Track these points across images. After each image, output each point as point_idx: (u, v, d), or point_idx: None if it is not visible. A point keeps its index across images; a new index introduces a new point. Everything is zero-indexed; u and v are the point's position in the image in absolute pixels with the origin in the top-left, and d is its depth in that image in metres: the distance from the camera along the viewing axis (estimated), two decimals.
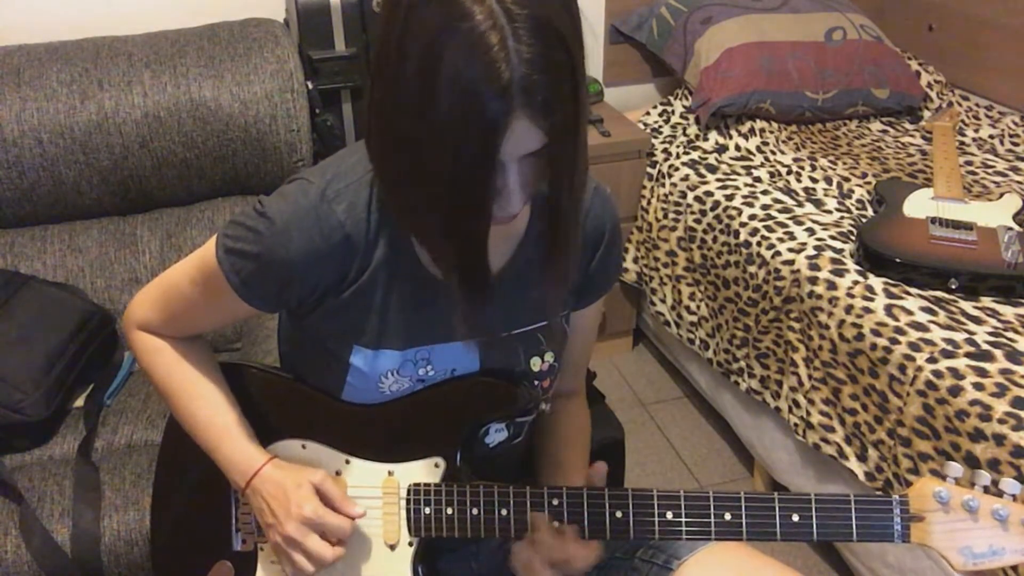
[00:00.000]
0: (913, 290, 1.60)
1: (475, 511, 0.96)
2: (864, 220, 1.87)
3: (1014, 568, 1.28)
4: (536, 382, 1.02)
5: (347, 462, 1.00)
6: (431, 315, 0.96)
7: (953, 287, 1.60)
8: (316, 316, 0.96)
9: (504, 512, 0.95)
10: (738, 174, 2.08)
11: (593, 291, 1.05)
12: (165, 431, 1.12)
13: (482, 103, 0.71)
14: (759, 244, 1.84)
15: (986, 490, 0.86)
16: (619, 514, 0.93)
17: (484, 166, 0.74)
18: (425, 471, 0.98)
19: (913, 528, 0.87)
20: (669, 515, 0.92)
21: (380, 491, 0.99)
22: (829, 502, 0.89)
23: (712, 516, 0.91)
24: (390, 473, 0.99)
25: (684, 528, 0.92)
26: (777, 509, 0.90)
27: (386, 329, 0.95)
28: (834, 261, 1.69)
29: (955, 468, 0.86)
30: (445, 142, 0.73)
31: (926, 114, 2.41)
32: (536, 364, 1.01)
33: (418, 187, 0.79)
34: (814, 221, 1.85)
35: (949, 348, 1.45)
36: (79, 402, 1.62)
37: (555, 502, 0.94)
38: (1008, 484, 0.84)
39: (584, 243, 1.00)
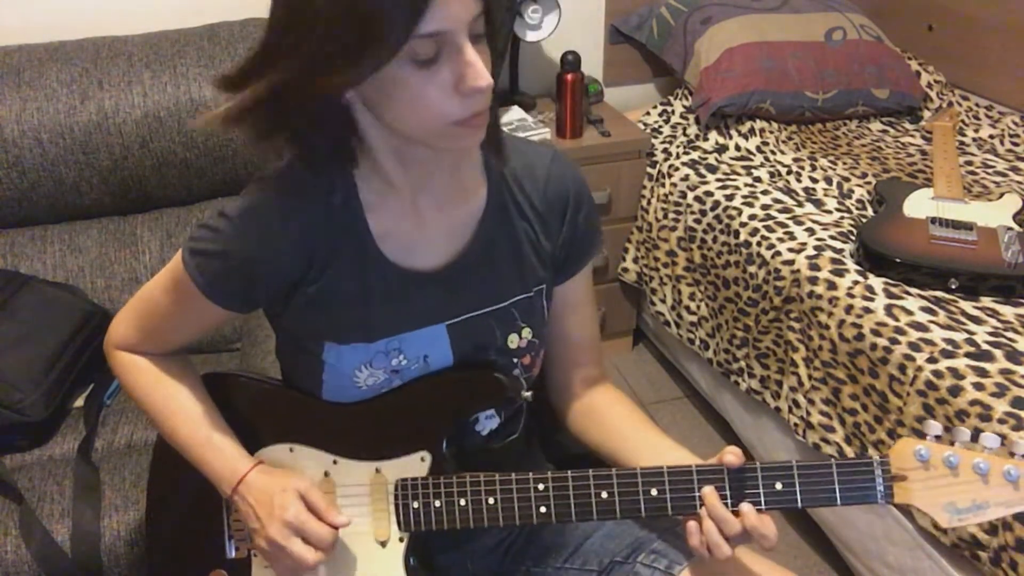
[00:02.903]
0: (913, 290, 1.60)
1: (463, 501, 0.96)
2: (864, 220, 1.87)
3: (1014, 569, 1.28)
4: (515, 359, 1.02)
5: (334, 462, 1.01)
6: (397, 305, 0.96)
7: (953, 287, 1.60)
8: (288, 316, 0.97)
9: (491, 500, 0.95)
10: (738, 174, 2.08)
11: (572, 261, 1.04)
12: (156, 442, 1.13)
13: None
14: (759, 244, 1.84)
15: (966, 446, 0.86)
16: (604, 494, 0.93)
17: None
18: (412, 466, 0.98)
19: (896, 488, 0.87)
20: (654, 492, 0.92)
21: (368, 488, 1.00)
22: (811, 468, 0.89)
23: (696, 491, 0.91)
24: (377, 470, 0.99)
25: (670, 504, 0.92)
26: (760, 478, 0.90)
27: (353, 323, 0.95)
28: (834, 261, 1.69)
29: (934, 426, 0.87)
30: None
31: (926, 114, 2.41)
32: (513, 341, 1.01)
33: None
34: (814, 221, 1.85)
35: (949, 348, 1.45)
36: (79, 402, 1.62)
37: (540, 487, 0.94)
38: (987, 439, 0.85)
39: (550, 211, 1.00)
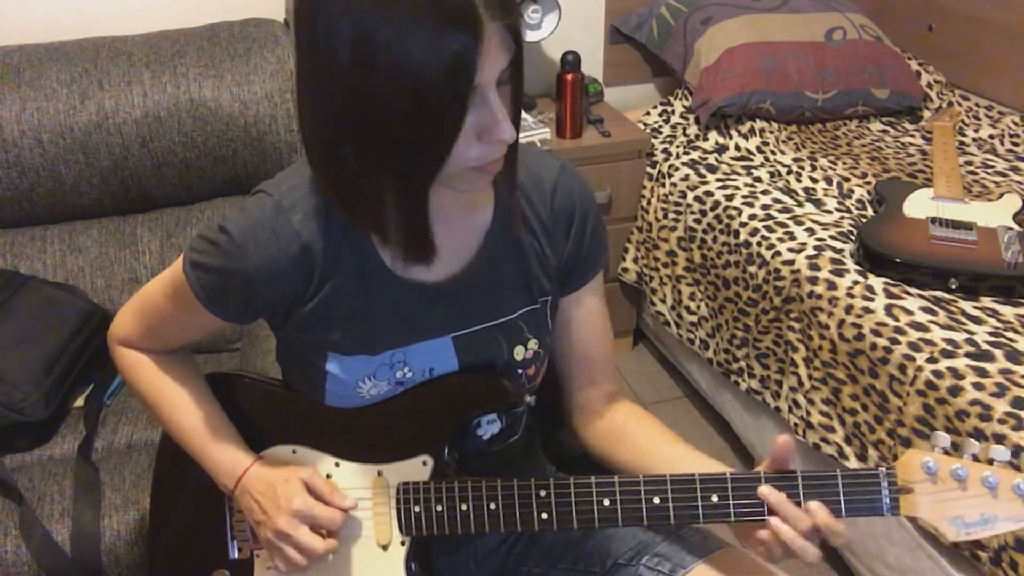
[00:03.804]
0: (913, 290, 1.60)
1: (464, 507, 0.96)
2: (864, 220, 1.87)
3: (1014, 569, 1.28)
4: (520, 371, 1.02)
5: (337, 465, 1.01)
6: (402, 317, 0.96)
7: (953, 287, 1.60)
8: (289, 327, 0.97)
9: (493, 506, 0.95)
10: (738, 174, 2.08)
11: (577, 274, 1.04)
12: (160, 443, 1.13)
13: (454, 14, 0.72)
14: (759, 244, 1.84)
15: (975, 458, 0.84)
16: (607, 502, 0.93)
17: (461, 86, 0.75)
18: (414, 470, 0.98)
19: (902, 500, 0.86)
20: (656, 500, 0.91)
21: (370, 492, 0.99)
22: (816, 478, 0.89)
23: (699, 499, 0.91)
24: (379, 473, 0.99)
25: (672, 513, 0.91)
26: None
27: (357, 335, 0.95)
28: (834, 261, 1.69)
29: (943, 438, 0.85)
30: (411, 67, 0.73)
31: (926, 114, 2.41)
32: (519, 353, 1.01)
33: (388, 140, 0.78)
34: (814, 221, 1.85)
35: (949, 348, 1.45)
36: (79, 402, 1.62)
37: (543, 493, 0.94)
38: (997, 451, 0.83)
39: (556, 225, 1.00)
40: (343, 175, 0.84)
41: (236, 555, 1.07)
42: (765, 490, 0.89)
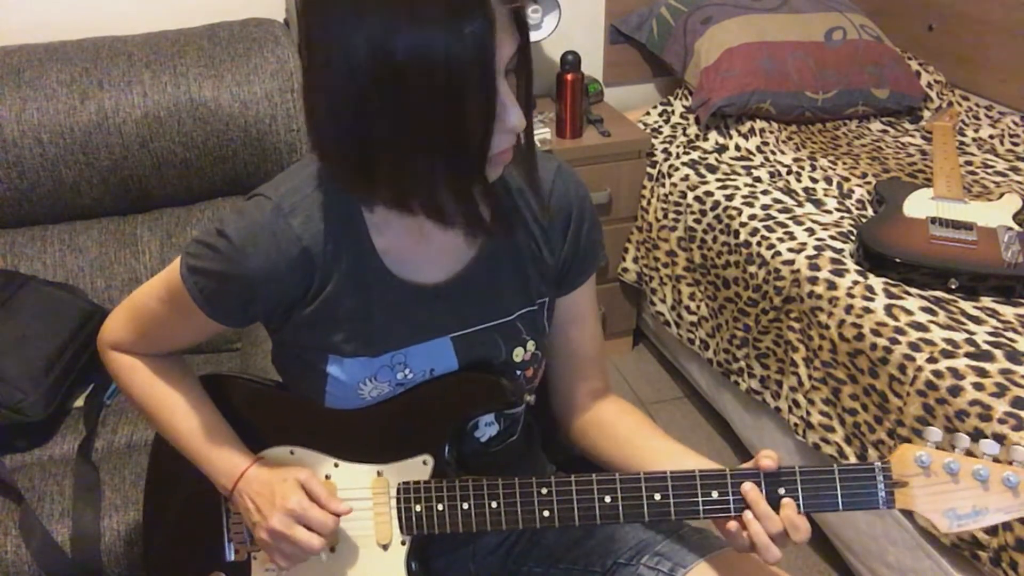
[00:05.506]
0: (913, 290, 1.60)
1: (465, 505, 0.96)
2: (864, 220, 1.87)
3: (1014, 569, 1.28)
4: (519, 372, 1.02)
5: (336, 465, 1.01)
6: (402, 319, 0.96)
7: (953, 287, 1.60)
8: (288, 330, 0.97)
9: (494, 504, 0.95)
10: (738, 174, 2.09)
11: (573, 275, 1.04)
12: (153, 446, 1.12)
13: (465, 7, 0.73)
14: (759, 244, 1.84)
15: (966, 452, 0.87)
16: (608, 499, 0.93)
17: (486, 69, 0.75)
18: (414, 469, 0.98)
19: (897, 494, 0.88)
20: (657, 497, 0.92)
21: (370, 492, 0.99)
22: (813, 474, 0.90)
23: (699, 495, 0.91)
24: (379, 473, 0.99)
25: (673, 509, 0.92)
26: (763, 485, 0.90)
27: (357, 337, 0.95)
28: (834, 261, 1.69)
29: (935, 433, 0.87)
30: (436, 64, 0.73)
31: (926, 114, 2.41)
32: (519, 354, 1.01)
33: (409, 132, 0.77)
34: (814, 221, 1.85)
35: (949, 348, 1.45)
36: (79, 402, 1.62)
37: (544, 491, 0.94)
38: (987, 445, 0.85)
39: (553, 226, 1.00)
40: (390, 180, 0.82)
41: (232, 557, 1.07)
42: (747, 487, 0.90)
